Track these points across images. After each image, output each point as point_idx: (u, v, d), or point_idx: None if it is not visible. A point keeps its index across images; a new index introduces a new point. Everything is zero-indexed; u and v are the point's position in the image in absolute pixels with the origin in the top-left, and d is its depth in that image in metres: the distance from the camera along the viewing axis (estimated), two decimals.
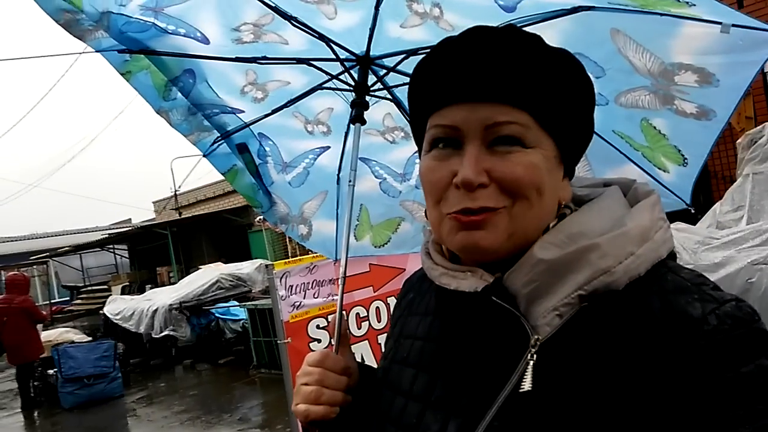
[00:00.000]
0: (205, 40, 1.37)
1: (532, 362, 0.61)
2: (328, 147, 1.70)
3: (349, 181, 1.35)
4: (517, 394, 0.61)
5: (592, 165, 1.34)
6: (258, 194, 1.74)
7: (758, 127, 4.02)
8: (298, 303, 3.27)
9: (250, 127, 1.63)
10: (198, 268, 11.91)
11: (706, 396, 0.54)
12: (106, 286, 16.61)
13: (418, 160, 1.67)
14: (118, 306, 10.34)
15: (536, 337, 0.61)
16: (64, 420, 7.30)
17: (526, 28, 1.26)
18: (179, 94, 1.46)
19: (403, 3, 1.30)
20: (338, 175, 1.74)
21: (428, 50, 1.36)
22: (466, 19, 1.28)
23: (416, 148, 1.79)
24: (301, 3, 1.33)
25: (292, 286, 3.28)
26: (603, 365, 0.58)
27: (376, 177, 1.73)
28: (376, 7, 1.30)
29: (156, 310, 9.45)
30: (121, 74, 1.39)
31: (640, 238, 0.63)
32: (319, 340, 3.31)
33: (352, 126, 1.41)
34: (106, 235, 19.66)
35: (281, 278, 3.25)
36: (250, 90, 1.54)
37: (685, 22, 1.05)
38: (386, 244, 1.79)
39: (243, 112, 1.59)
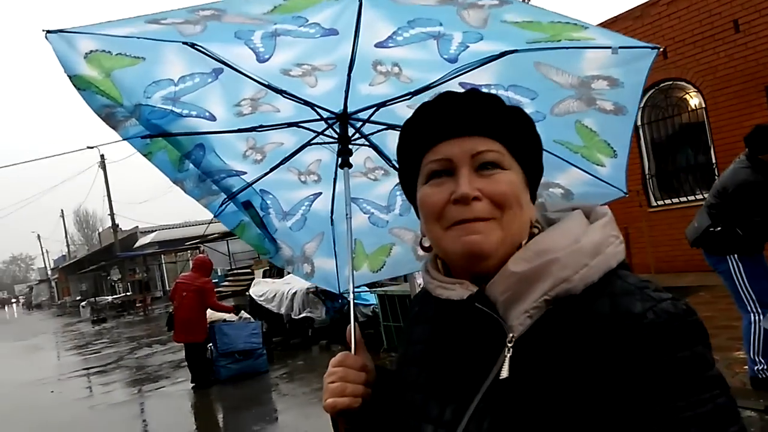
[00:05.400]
0: (212, 118, 1.60)
1: (509, 355, 0.74)
2: (320, 193, 1.91)
3: (347, 215, 1.56)
4: (497, 381, 0.74)
5: None
6: (264, 242, 1.93)
7: None
8: None
9: (253, 186, 1.83)
10: None
11: (648, 379, 0.64)
12: (249, 270, 16.25)
13: (399, 192, 1.90)
14: (261, 288, 10.68)
15: (512, 335, 0.74)
16: (221, 390, 7.80)
17: (469, 73, 1.55)
18: (191, 166, 1.67)
19: (369, 66, 1.56)
20: (331, 216, 1.94)
21: (394, 101, 1.65)
22: (420, 72, 1.56)
23: (396, 182, 2.12)
24: (287, 78, 1.57)
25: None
26: (567, 356, 0.70)
27: (364, 213, 1.94)
28: (349, 74, 1.55)
29: (295, 293, 9.65)
30: (144, 155, 1.59)
31: (593, 252, 0.74)
32: None
33: (339, 171, 1.63)
34: None
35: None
36: (251, 153, 1.77)
37: (587, 50, 1.39)
38: (382, 267, 1.99)
39: (245, 173, 1.80)
